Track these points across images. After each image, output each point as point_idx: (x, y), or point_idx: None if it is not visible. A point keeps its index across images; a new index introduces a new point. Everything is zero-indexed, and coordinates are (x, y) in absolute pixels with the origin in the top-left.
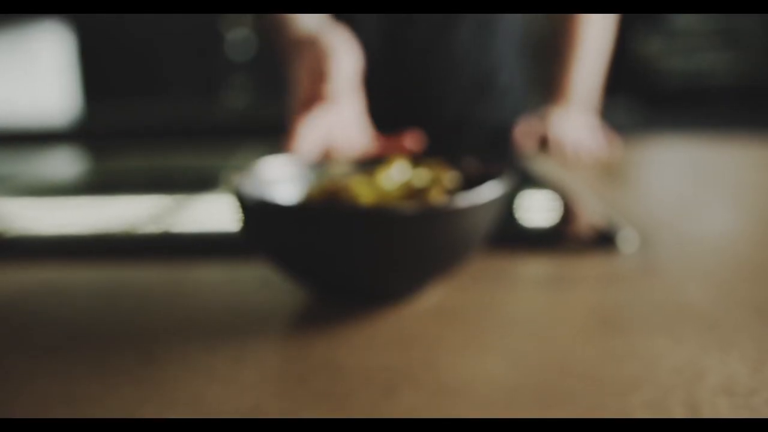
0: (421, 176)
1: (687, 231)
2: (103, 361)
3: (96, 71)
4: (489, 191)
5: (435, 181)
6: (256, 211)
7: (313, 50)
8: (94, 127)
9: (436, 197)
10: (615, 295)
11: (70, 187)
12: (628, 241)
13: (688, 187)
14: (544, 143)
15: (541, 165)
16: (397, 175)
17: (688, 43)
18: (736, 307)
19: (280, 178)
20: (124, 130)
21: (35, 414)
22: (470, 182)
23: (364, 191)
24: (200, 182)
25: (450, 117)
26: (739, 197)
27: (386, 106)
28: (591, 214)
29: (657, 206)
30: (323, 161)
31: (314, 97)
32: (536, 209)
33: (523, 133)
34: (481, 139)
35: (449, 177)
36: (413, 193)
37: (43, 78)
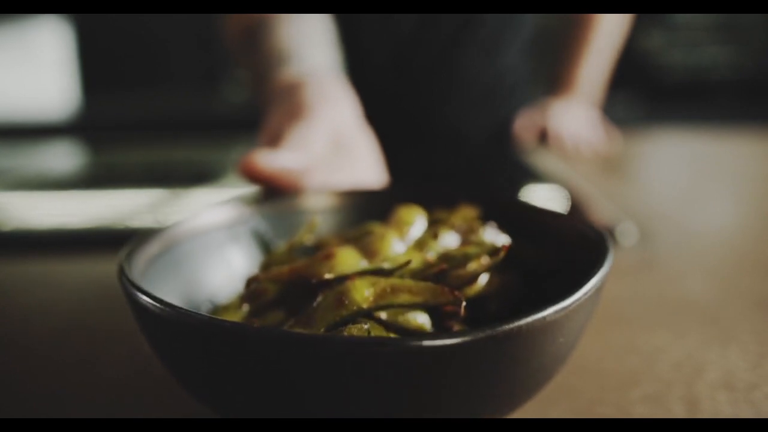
0: (445, 237)
1: (687, 224)
2: (96, 353)
3: (95, 64)
4: (581, 282)
5: (469, 247)
6: (160, 323)
7: (290, 100)
8: (93, 120)
9: (475, 281)
10: (615, 289)
11: (68, 181)
12: (628, 234)
13: (688, 180)
14: (543, 136)
15: (543, 159)
16: (408, 237)
17: (689, 38)
18: (736, 301)
19: (221, 235)
20: (123, 123)
21: (30, 408)
22: (521, 240)
23: (355, 268)
24: (199, 175)
25: (454, 124)
26: (740, 191)
27: (390, 117)
28: (597, 209)
29: (657, 200)
30: (294, 204)
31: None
32: (540, 203)
33: (523, 126)
34: (483, 137)
35: (488, 235)
36: (435, 270)
37: (42, 71)
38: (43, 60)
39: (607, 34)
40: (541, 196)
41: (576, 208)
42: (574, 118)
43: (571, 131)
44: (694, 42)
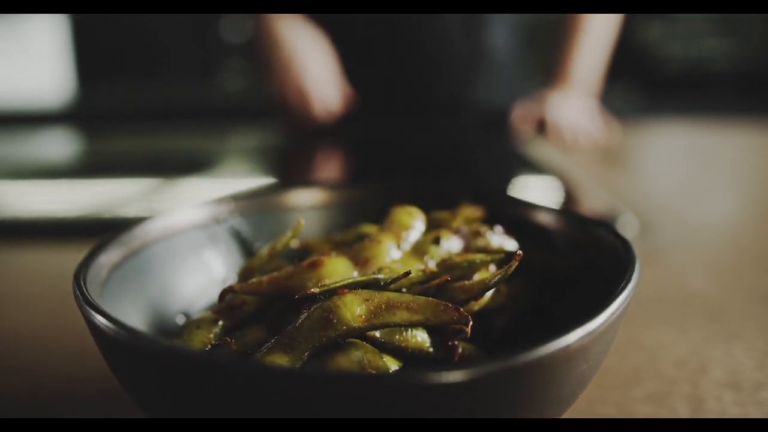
0: (447, 242)
1: (688, 217)
2: (85, 345)
3: (90, 52)
4: (602, 309)
5: (475, 255)
6: (115, 347)
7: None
8: (88, 109)
9: (482, 295)
10: None
11: (63, 169)
12: (628, 227)
13: (688, 172)
14: (541, 126)
15: (540, 149)
16: (405, 242)
17: (688, 29)
18: (740, 295)
19: (197, 236)
20: (118, 112)
21: (22, 405)
22: (530, 243)
23: (344, 279)
24: (194, 164)
25: (444, 95)
26: (740, 182)
27: (382, 86)
28: (592, 199)
29: (657, 192)
30: (279, 201)
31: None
32: (538, 194)
33: (521, 116)
34: (477, 120)
35: (495, 239)
36: (437, 282)
37: (37, 59)
38: (39, 48)
39: (600, 25)
40: (537, 186)
41: (570, 198)
42: (572, 109)
43: (569, 122)
44: (693, 33)
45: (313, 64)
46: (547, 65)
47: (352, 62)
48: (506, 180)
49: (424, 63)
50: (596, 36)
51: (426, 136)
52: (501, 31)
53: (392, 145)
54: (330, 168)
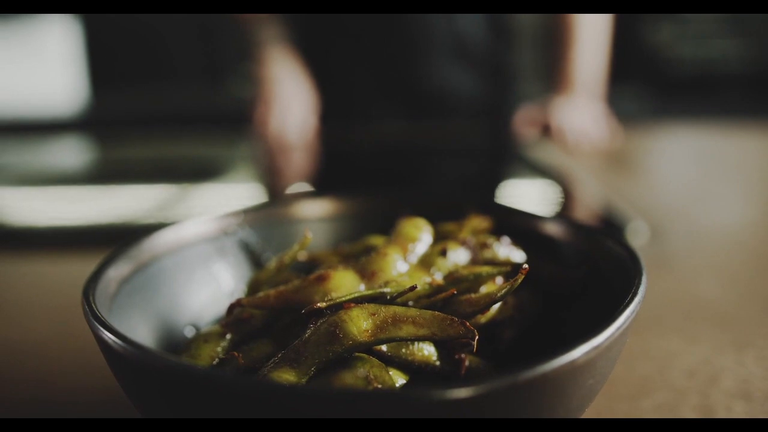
0: (453, 254)
1: (699, 222)
2: (87, 353)
3: (102, 60)
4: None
5: (482, 267)
6: (124, 364)
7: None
8: (100, 116)
9: (488, 309)
10: None
11: (76, 177)
12: (638, 232)
13: (699, 176)
14: (546, 131)
15: (543, 152)
16: (412, 254)
17: (699, 30)
18: (751, 303)
19: (206, 249)
20: (130, 119)
21: (29, 413)
22: (537, 255)
23: (351, 293)
24: (206, 170)
25: (428, 80)
26: (751, 186)
27: (367, 77)
28: (592, 201)
29: (667, 196)
30: (288, 213)
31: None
32: (537, 199)
33: (524, 120)
34: (464, 112)
35: (502, 250)
36: (443, 296)
37: (49, 67)
38: (50, 56)
39: (594, 26)
40: (540, 191)
41: (575, 203)
42: (577, 114)
43: (574, 127)
44: (703, 35)
45: (292, 103)
46: (550, 71)
47: (339, 56)
48: (507, 184)
49: (405, 48)
50: (591, 38)
51: (421, 140)
52: (478, 20)
53: (389, 152)
54: (325, 176)
